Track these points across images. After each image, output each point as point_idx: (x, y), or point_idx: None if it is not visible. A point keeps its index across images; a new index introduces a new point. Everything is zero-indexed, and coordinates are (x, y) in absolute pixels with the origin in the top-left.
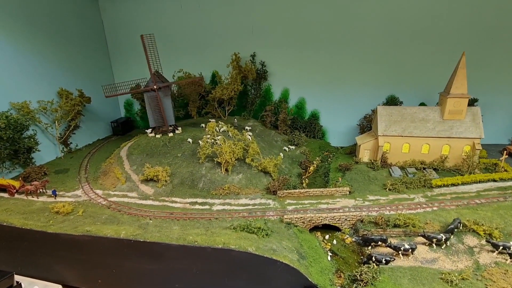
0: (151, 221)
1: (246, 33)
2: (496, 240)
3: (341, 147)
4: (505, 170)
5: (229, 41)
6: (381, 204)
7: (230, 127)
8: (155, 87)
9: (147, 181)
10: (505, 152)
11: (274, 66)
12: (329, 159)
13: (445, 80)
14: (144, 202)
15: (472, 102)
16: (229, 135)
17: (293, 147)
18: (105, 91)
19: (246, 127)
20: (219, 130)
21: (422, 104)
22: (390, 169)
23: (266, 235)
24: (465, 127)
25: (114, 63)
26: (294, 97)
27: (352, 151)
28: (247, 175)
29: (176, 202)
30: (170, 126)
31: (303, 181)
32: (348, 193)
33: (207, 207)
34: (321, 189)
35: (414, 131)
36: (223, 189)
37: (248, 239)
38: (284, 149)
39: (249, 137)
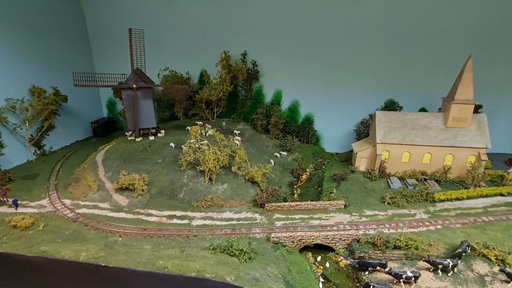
0: (120, 238)
1: (237, 31)
2: (510, 267)
3: (336, 154)
4: None
5: (219, 39)
6: (380, 220)
7: (216, 131)
8: (134, 86)
9: (122, 190)
10: None
11: (266, 66)
12: (323, 167)
13: (448, 85)
14: (116, 215)
15: (476, 109)
16: (215, 140)
17: (285, 153)
18: (76, 78)
19: (235, 131)
20: (205, 134)
21: (422, 109)
22: (388, 179)
23: (249, 259)
24: (470, 136)
25: (97, 60)
26: (287, 100)
27: (348, 158)
28: (232, 185)
29: (152, 215)
30: (153, 129)
31: (295, 191)
32: (343, 206)
33: (186, 221)
34: (314, 202)
35: (415, 139)
36: (205, 200)
37: (227, 264)
38: (275, 156)
39: (237, 142)
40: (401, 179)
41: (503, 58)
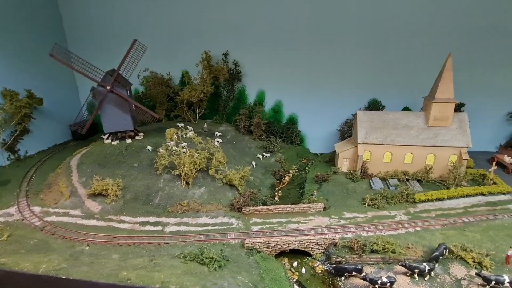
0: (87, 247)
1: (218, 30)
2: (487, 270)
3: (321, 154)
4: (494, 183)
5: (200, 39)
6: (359, 223)
7: (194, 134)
8: (108, 87)
9: (95, 196)
10: (494, 162)
11: (248, 67)
12: (307, 168)
13: (431, 83)
14: (86, 222)
15: (458, 107)
16: (193, 142)
17: (268, 154)
18: (55, 51)
19: (217, 133)
20: (185, 135)
21: (406, 108)
22: (370, 180)
23: (219, 267)
24: (451, 135)
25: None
26: (271, 100)
27: (331, 158)
28: (210, 189)
29: (124, 222)
30: (131, 131)
31: (276, 193)
32: (322, 209)
33: (159, 228)
34: (292, 206)
35: (397, 138)
36: (181, 205)
37: (195, 274)
38: (258, 157)
39: (217, 144)
40: (383, 179)
41: (484, 56)
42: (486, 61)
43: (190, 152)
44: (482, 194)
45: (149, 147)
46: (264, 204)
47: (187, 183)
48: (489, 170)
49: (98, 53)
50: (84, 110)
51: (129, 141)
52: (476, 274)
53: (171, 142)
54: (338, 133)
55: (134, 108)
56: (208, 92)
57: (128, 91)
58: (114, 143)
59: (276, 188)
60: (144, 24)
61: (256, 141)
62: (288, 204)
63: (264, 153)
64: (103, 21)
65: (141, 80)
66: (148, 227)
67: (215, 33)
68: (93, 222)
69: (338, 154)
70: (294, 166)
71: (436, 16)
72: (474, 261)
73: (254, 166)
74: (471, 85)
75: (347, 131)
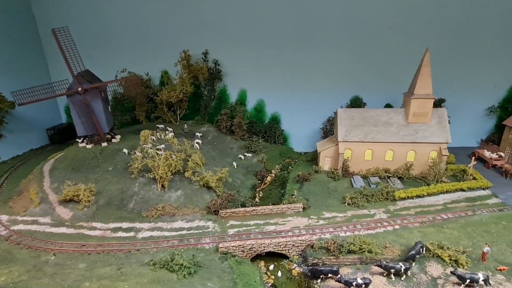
0: (53, 257)
1: (197, 29)
2: (463, 268)
3: (305, 153)
4: (474, 178)
5: (179, 38)
6: (337, 223)
7: (173, 135)
8: (79, 89)
9: (66, 202)
10: (473, 157)
11: (229, 66)
12: (289, 167)
13: (411, 80)
14: (55, 230)
15: (439, 103)
16: (169, 144)
17: (250, 154)
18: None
19: (197, 133)
20: (164, 137)
21: (388, 105)
22: (352, 179)
23: (189, 274)
24: (430, 131)
25: (51, 61)
26: (253, 99)
27: (314, 157)
28: (187, 192)
29: (95, 228)
30: (107, 134)
31: (257, 194)
32: (302, 210)
33: (132, 234)
34: (271, 207)
35: (377, 136)
36: (156, 209)
37: (162, 282)
38: (240, 158)
39: (197, 145)
40: (365, 177)
41: (463, 51)
42: (465, 56)
43: (165, 154)
44: (462, 190)
45: (125, 150)
46: (243, 205)
47: (163, 186)
48: (469, 165)
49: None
50: (61, 113)
51: (104, 144)
52: (451, 272)
53: (148, 144)
54: (321, 131)
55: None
56: (187, 92)
57: (102, 92)
58: (89, 146)
59: (257, 189)
60: (121, 24)
61: (239, 141)
62: (269, 205)
63: (246, 153)
64: (78, 23)
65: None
66: (120, 234)
67: (194, 32)
68: (62, 229)
69: (320, 152)
70: (277, 166)
71: (413, 12)
72: (450, 259)
73: (235, 166)
74: (451, 80)
75: (329, 129)
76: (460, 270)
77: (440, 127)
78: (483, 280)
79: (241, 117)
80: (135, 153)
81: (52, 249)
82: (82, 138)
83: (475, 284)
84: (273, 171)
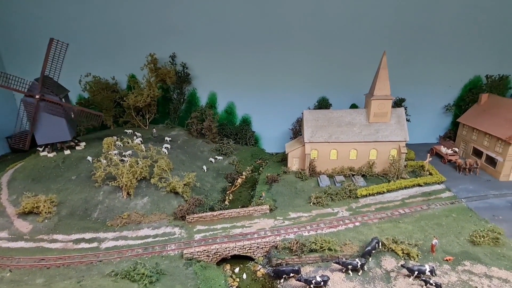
0: (9, 273)
1: (164, 32)
2: (414, 260)
3: (276, 154)
4: (430, 174)
5: (146, 41)
6: (302, 223)
7: (141, 141)
8: (37, 96)
9: (25, 214)
10: (429, 154)
11: (198, 69)
12: (261, 169)
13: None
14: (13, 244)
15: (399, 102)
16: (141, 150)
17: (221, 157)
18: None
19: (166, 138)
20: (132, 143)
21: (354, 106)
22: (318, 178)
23: (150, 283)
24: (390, 130)
25: (8, 63)
26: (223, 102)
27: (284, 158)
28: (153, 198)
29: (56, 241)
30: (71, 141)
31: (227, 197)
32: (268, 211)
33: (95, 244)
34: (238, 210)
35: (341, 136)
36: (121, 218)
37: None
38: (210, 161)
39: (165, 150)
40: (331, 176)
41: (419, 52)
42: (422, 57)
43: (130, 161)
44: (419, 185)
45: (89, 158)
46: (212, 209)
47: (128, 193)
48: (426, 161)
49: (33, 59)
50: (23, 121)
51: (67, 152)
52: (402, 265)
53: (114, 151)
54: (291, 132)
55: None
56: (155, 96)
57: (63, 99)
58: (51, 155)
59: (227, 192)
60: (86, 26)
61: (210, 144)
62: (238, 207)
63: (217, 156)
64: (38, 25)
65: (83, 86)
66: (82, 245)
67: (161, 35)
68: (20, 244)
69: (288, 153)
70: (248, 167)
71: (370, 15)
72: (403, 253)
73: (206, 170)
74: (410, 80)
75: (298, 130)
76: (411, 263)
77: (399, 126)
78: (429, 271)
79: (211, 120)
80: (99, 160)
81: (8, 265)
82: (43, 147)
83: (422, 275)
84: (244, 173)
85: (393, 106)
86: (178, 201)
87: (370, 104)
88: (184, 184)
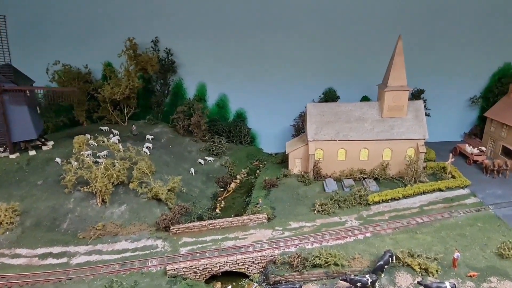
0: None
1: (145, 14)
2: (433, 276)
3: (275, 154)
4: (453, 176)
5: (123, 24)
6: (304, 234)
7: (117, 139)
8: None
9: None
10: (451, 154)
11: (184, 56)
12: (257, 171)
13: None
14: None
15: (418, 94)
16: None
17: (211, 158)
18: None
19: (148, 136)
20: (107, 142)
21: (365, 98)
22: (324, 182)
23: None
24: (407, 126)
25: None
26: (214, 94)
27: (284, 159)
28: (132, 206)
29: (20, 256)
30: (37, 140)
31: (218, 204)
32: (266, 220)
33: (64, 260)
34: (231, 219)
35: (350, 133)
36: (95, 229)
37: None
38: (199, 162)
39: (147, 150)
40: (338, 180)
41: (441, 37)
42: (442, 41)
43: (105, 163)
44: (440, 190)
45: (58, 159)
46: (201, 219)
47: (103, 201)
48: (448, 162)
49: None
50: None
51: (32, 152)
52: (418, 283)
53: (87, 152)
54: (293, 128)
55: (45, 102)
56: (135, 87)
57: (28, 91)
58: (13, 156)
59: (219, 198)
60: (53, 6)
61: (198, 143)
62: (231, 216)
63: (206, 157)
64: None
65: (51, 76)
66: (49, 260)
67: (141, 17)
68: None
69: (289, 154)
70: (243, 170)
71: None
72: (420, 268)
73: (193, 173)
74: (430, 68)
75: (302, 127)
76: (429, 279)
77: (417, 121)
78: None
79: (200, 115)
80: (70, 162)
81: None
82: (4, 147)
83: None
84: (238, 176)
85: (410, 99)
86: (161, 209)
87: (384, 96)
88: (168, 190)
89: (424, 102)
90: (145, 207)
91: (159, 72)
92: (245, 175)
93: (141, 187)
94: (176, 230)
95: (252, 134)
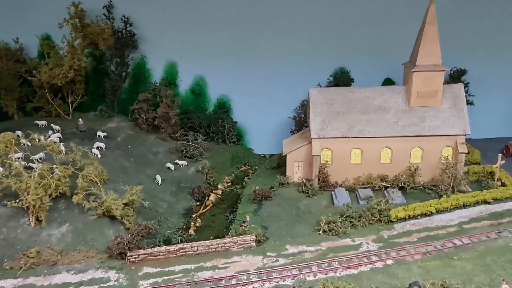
0: None
1: None
2: None
3: (270, 156)
4: (503, 184)
5: None
6: (306, 261)
7: (57, 137)
8: None
9: None
10: (501, 155)
11: (148, 26)
12: (246, 179)
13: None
14: None
15: (457, 76)
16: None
17: (185, 162)
18: None
19: (100, 133)
20: (44, 141)
21: (388, 81)
22: (333, 193)
23: None
24: (442, 119)
25: None
26: (188, 77)
27: (281, 163)
28: (77, 226)
29: None
30: None
31: (193, 223)
32: (254, 244)
33: None
34: (208, 242)
35: (367, 128)
36: (28, 256)
37: None
38: (168, 168)
39: (97, 151)
40: (352, 190)
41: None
42: (490, 6)
43: (40, 169)
44: (486, 202)
45: None
46: (168, 242)
47: (38, 219)
48: (496, 165)
49: None
50: None
51: None
52: None
53: (18, 154)
54: (293, 122)
55: None
56: (82, 68)
57: None
58: None
59: (194, 215)
60: None
61: (168, 142)
62: (210, 239)
63: (178, 161)
64: None
65: None
66: None
67: None
68: None
69: (287, 155)
70: (226, 177)
71: None
72: None
73: (160, 182)
74: (473, 42)
75: (304, 119)
76: None
77: (455, 112)
78: None
79: (169, 104)
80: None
81: None
82: None
83: None
84: (220, 186)
85: (447, 82)
86: (115, 229)
87: (412, 79)
88: (125, 204)
89: (466, 86)
90: (94, 227)
91: (114, 48)
92: (229, 184)
93: (89, 201)
94: (134, 258)
95: (239, 130)
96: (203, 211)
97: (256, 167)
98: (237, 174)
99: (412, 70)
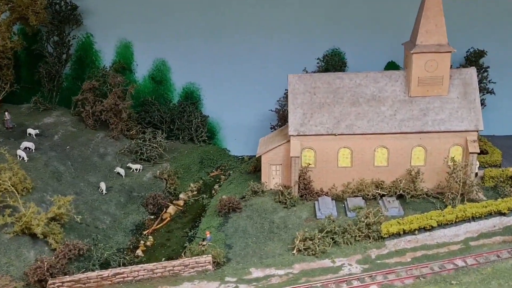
0: None
1: None
2: None
3: (249, 158)
4: None
5: None
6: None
7: None
8: None
9: None
10: None
11: None
12: (216, 186)
13: None
14: None
15: (474, 59)
16: None
17: (140, 166)
18: None
19: (30, 130)
20: None
21: (391, 65)
22: (316, 203)
23: None
24: (449, 111)
25: None
26: (145, 60)
27: (259, 166)
28: None
29: None
30: None
31: (143, 241)
32: (210, 267)
33: None
34: (151, 266)
35: (358, 123)
36: None
37: None
38: (118, 173)
39: (22, 154)
40: (340, 199)
41: None
42: None
43: None
44: (501, 214)
45: None
46: (107, 266)
47: None
48: None
49: None
50: None
51: None
52: None
53: None
54: (276, 116)
55: None
56: (8, 49)
57: None
58: None
59: (145, 232)
60: None
61: (121, 141)
62: (162, 260)
63: (131, 164)
64: None
65: None
66: None
67: None
68: None
69: (261, 156)
70: (192, 184)
71: None
72: None
73: (104, 191)
74: (497, 20)
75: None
76: None
77: (465, 102)
78: None
79: (120, 94)
80: None
81: None
82: None
83: None
84: (182, 195)
85: (462, 66)
86: (37, 251)
87: (412, 62)
88: (51, 219)
89: (485, 71)
90: (10, 249)
91: (50, 23)
92: (195, 192)
93: (3, 215)
94: (58, 286)
95: (211, 126)
96: (157, 226)
97: (231, 172)
98: (206, 181)
99: (412, 52)
